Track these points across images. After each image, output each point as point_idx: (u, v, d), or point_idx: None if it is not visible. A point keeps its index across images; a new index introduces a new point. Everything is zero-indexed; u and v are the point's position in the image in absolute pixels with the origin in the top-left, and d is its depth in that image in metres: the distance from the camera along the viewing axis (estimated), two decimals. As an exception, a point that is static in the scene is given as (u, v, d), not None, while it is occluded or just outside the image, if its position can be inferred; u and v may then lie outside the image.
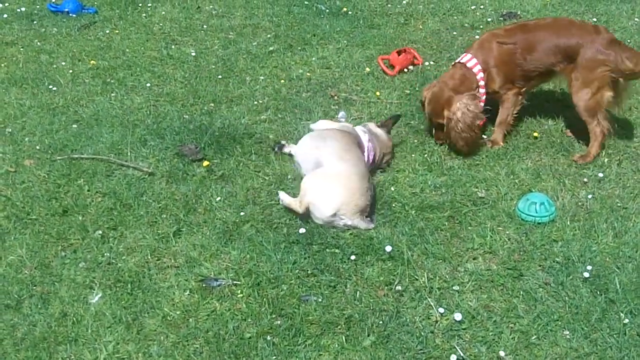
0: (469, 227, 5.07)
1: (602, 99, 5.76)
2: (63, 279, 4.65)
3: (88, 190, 5.50)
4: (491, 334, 4.19)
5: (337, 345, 4.12)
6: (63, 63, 7.72)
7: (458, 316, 4.25)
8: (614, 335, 4.13)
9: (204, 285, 4.56)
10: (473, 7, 9.12)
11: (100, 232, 5.05)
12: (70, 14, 9.04)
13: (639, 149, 5.95)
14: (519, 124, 6.28)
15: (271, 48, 8.06)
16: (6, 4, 9.52)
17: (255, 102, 6.81)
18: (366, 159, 5.43)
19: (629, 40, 7.97)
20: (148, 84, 7.22)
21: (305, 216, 5.06)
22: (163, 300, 4.45)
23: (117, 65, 7.69)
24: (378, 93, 6.88)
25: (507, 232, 4.99)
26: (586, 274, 4.53)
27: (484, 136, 6.11)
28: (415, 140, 6.06)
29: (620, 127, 6.23)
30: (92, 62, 7.72)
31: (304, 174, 5.36)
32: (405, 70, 7.40)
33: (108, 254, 4.85)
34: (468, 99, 5.69)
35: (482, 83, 5.87)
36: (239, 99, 6.92)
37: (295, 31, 8.51)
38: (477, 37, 8.07)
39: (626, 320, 4.21)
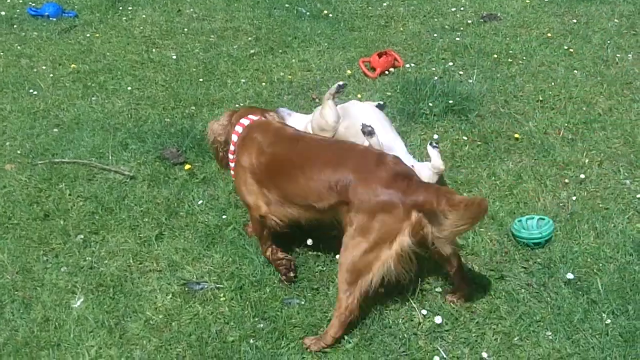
0: (451, 229, 5.08)
1: (377, 261, 4.07)
2: (45, 283, 4.64)
3: (69, 195, 5.49)
4: (474, 335, 4.20)
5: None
6: (43, 67, 7.69)
7: (438, 319, 4.26)
8: (596, 336, 4.15)
9: (186, 289, 4.56)
10: (453, 9, 9.13)
11: (82, 236, 5.04)
12: (51, 18, 8.99)
13: (620, 150, 5.97)
14: (500, 126, 6.29)
15: (252, 51, 8.05)
16: (-14, 8, 9.50)
17: (237, 105, 6.80)
18: None
19: (608, 41, 8.01)
20: (129, 88, 7.20)
21: None
22: (145, 304, 4.45)
23: (97, 69, 7.66)
24: (359, 95, 6.88)
25: (489, 234, 5.00)
26: (568, 275, 4.55)
27: None
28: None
29: (601, 128, 6.26)
30: (72, 65, 7.69)
31: None
32: (387, 72, 7.41)
33: (90, 258, 4.84)
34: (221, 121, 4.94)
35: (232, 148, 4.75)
36: (220, 102, 6.91)
37: (276, 34, 8.50)
38: (457, 38, 8.10)
39: (608, 321, 4.24)
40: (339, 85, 5.11)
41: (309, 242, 4.87)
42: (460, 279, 4.43)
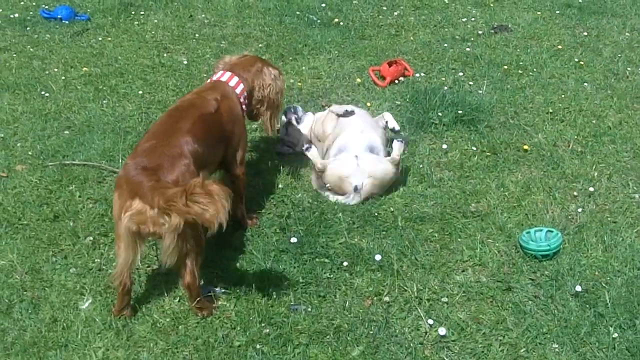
0: (459, 239, 5.09)
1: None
2: (53, 284, 4.65)
3: (79, 197, 5.50)
4: (480, 346, 4.20)
5: (325, 355, 4.13)
6: (55, 69, 7.72)
7: (442, 331, 4.26)
8: (603, 350, 4.15)
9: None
10: (464, 20, 9.15)
11: (91, 238, 5.06)
12: (63, 21, 9.03)
13: (629, 164, 5.97)
14: (509, 137, 6.30)
15: (263, 58, 8.05)
16: (-1, 10, 9.54)
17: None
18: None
19: (619, 55, 8.03)
20: (140, 92, 7.22)
21: None
22: (153, 307, 4.46)
23: (109, 72, 7.68)
24: (369, 104, 6.90)
25: (497, 245, 5.01)
26: (575, 288, 4.55)
27: None
28: (405, 151, 6.07)
29: (611, 141, 6.27)
30: (84, 69, 7.72)
31: None
32: (396, 81, 7.42)
33: (99, 260, 4.85)
34: None
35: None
36: (231, 107, 6.92)
37: (286, 41, 8.53)
38: (468, 49, 8.12)
39: (615, 335, 4.23)
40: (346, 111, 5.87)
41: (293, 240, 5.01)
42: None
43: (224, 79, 5.02)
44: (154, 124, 4.60)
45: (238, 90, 5.00)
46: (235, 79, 5.03)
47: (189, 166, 4.16)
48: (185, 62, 7.94)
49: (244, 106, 5.05)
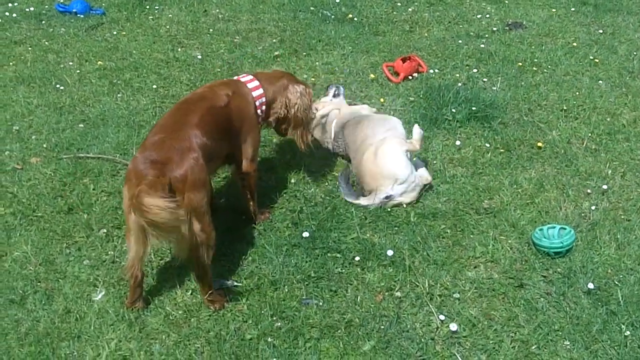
0: (471, 235, 5.08)
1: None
2: (67, 276, 4.67)
3: (93, 189, 5.52)
4: (491, 343, 4.20)
5: (336, 349, 4.15)
6: (70, 63, 7.74)
7: (454, 327, 4.27)
8: (615, 347, 4.14)
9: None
10: (479, 16, 9.14)
11: (105, 230, 5.08)
12: (78, 15, 9.06)
13: (642, 162, 5.98)
14: (523, 134, 6.30)
15: (276, 53, 8.06)
16: (15, 4, 9.55)
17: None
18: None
19: (634, 53, 8.00)
20: (154, 86, 7.24)
21: None
22: (165, 300, 4.48)
23: (123, 66, 7.70)
24: (382, 100, 6.90)
25: (509, 242, 5.00)
26: (588, 285, 4.54)
27: None
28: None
29: (625, 139, 6.25)
30: (99, 62, 7.74)
31: None
32: (410, 77, 7.42)
33: (112, 253, 4.87)
34: None
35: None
36: (245, 102, 6.93)
37: (300, 36, 8.53)
38: (482, 45, 8.11)
39: (627, 332, 4.23)
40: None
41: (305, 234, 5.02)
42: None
43: (242, 79, 5.00)
44: (162, 117, 4.59)
45: (255, 94, 4.95)
46: (255, 82, 4.98)
47: (197, 160, 4.16)
48: (200, 57, 7.95)
49: (259, 111, 5.00)
